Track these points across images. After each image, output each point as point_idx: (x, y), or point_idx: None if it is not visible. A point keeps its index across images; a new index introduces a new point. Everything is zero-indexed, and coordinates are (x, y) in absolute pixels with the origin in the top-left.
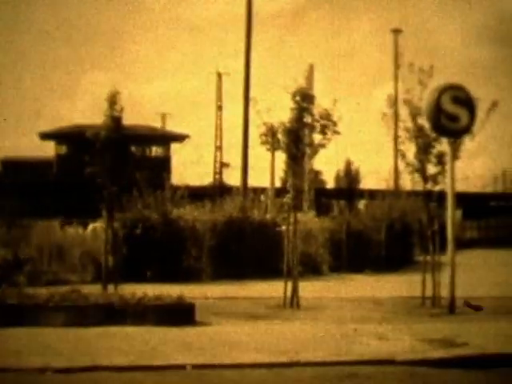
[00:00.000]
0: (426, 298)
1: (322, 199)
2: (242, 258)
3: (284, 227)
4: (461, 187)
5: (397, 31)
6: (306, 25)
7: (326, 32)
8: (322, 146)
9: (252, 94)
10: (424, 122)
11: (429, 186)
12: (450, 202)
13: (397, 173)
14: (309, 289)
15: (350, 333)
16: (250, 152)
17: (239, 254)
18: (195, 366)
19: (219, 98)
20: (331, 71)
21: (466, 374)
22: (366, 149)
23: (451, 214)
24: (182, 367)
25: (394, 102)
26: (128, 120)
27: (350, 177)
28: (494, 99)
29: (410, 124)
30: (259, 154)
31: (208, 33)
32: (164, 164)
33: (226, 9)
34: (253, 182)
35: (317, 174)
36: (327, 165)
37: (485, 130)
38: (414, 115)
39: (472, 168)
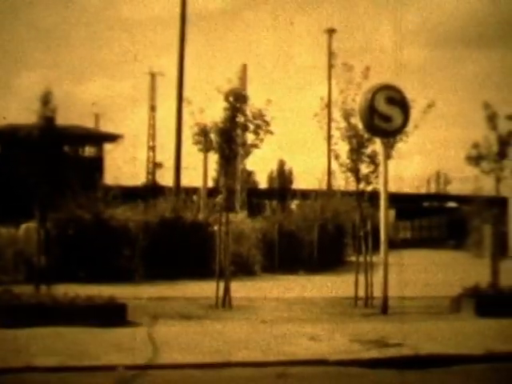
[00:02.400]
0: (359, 299)
1: (255, 199)
2: (175, 258)
3: (216, 227)
4: (394, 187)
5: (331, 31)
6: (242, 25)
7: (261, 32)
8: (255, 146)
9: (186, 94)
10: (357, 121)
11: (362, 186)
12: (382, 202)
13: (330, 173)
14: (241, 289)
15: (283, 333)
16: (183, 152)
17: (172, 255)
18: (127, 367)
19: (152, 98)
20: (266, 71)
21: (399, 374)
22: (300, 149)
23: (384, 215)
24: (114, 368)
25: (327, 103)
26: (61, 120)
27: (282, 177)
28: (428, 100)
29: (343, 124)
30: (192, 155)
31: (143, 32)
32: (97, 164)
33: (161, 8)
34: (186, 182)
35: (249, 174)
36: (260, 165)
37: (420, 130)
38: (348, 115)
39: (407, 168)
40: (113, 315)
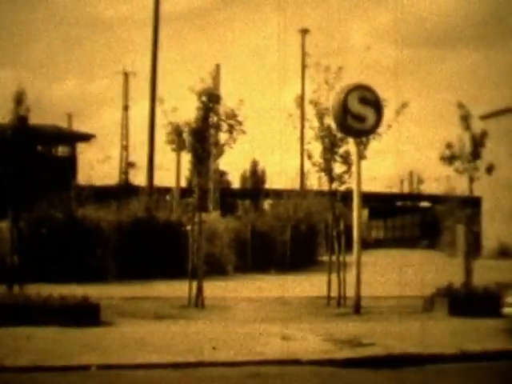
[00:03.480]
0: (332, 298)
1: (228, 199)
2: (148, 258)
3: (189, 227)
4: (367, 187)
5: (304, 31)
6: (216, 24)
7: (235, 31)
8: (228, 145)
9: (159, 93)
10: (331, 121)
11: (335, 185)
12: (356, 201)
13: (303, 173)
14: (214, 289)
15: (255, 333)
16: (157, 152)
17: (144, 254)
18: (100, 367)
19: (126, 97)
20: (240, 71)
21: (372, 373)
22: (274, 149)
23: (357, 214)
24: (87, 367)
25: (300, 102)
26: (34, 119)
27: (255, 177)
28: (402, 100)
29: (316, 124)
30: (166, 154)
31: (117, 32)
32: (70, 164)
33: (135, 8)
34: (159, 181)
35: (223, 174)
36: (233, 165)
37: (393, 130)
38: (321, 115)
39: (380, 168)
40: (86, 315)
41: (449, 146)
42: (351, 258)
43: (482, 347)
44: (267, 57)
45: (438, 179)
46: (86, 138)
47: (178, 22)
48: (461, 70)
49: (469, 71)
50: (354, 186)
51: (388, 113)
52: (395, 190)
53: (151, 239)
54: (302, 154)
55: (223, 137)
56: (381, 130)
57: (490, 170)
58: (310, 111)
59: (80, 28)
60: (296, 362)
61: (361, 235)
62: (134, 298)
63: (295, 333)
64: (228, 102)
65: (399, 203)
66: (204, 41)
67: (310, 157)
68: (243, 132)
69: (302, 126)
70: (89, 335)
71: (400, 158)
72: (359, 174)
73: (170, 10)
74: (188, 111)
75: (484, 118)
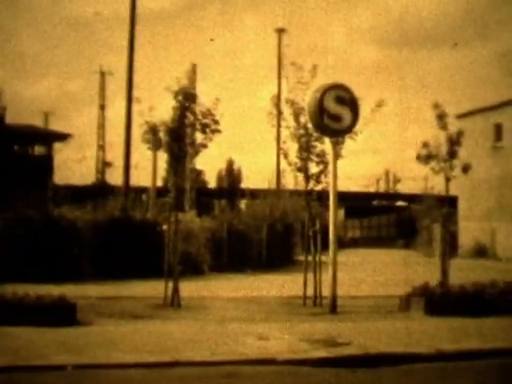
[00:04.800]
0: (308, 298)
1: (204, 199)
2: (124, 257)
3: (165, 227)
4: (343, 186)
5: (281, 31)
6: (193, 23)
7: (212, 31)
8: (204, 145)
9: (136, 93)
10: (307, 120)
11: (311, 185)
12: (332, 201)
13: (279, 172)
14: (190, 288)
15: (231, 332)
16: (133, 151)
17: (121, 254)
18: (76, 366)
19: (102, 97)
20: (217, 70)
21: (348, 373)
22: (250, 148)
23: (333, 214)
24: (63, 367)
25: (277, 102)
26: (11, 119)
27: (231, 176)
28: (378, 99)
29: (292, 123)
30: (142, 154)
31: (94, 31)
32: (46, 163)
33: (111, 7)
34: (135, 181)
35: (199, 173)
36: (210, 164)
37: (369, 129)
38: (297, 114)
39: (356, 167)
40: (62, 315)
41: (425, 145)
42: (327, 258)
43: (458, 347)
44: (244, 56)
45: (415, 178)
46: (63, 137)
47: (155, 22)
48: (438, 70)
49: (447, 71)
50: (330, 186)
51: (365, 112)
52: (372, 189)
53: (127, 239)
54: (278, 154)
55: (199, 136)
56: (357, 129)
57: (465, 169)
58: (287, 110)
59: (57, 27)
60: (272, 362)
61: (337, 235)
62: (110, 298)
63: (271, 332)
64: (204, 102)
65: (375, 202)
66: (181, 40)
67: (286, 156)
68: (219, 131)
69: (278, 126)
70: (65, 335)
71: (376, 157)
72: (335, 174)
73: (148, 10)
74: (164, 111)
75: (460, 117)
